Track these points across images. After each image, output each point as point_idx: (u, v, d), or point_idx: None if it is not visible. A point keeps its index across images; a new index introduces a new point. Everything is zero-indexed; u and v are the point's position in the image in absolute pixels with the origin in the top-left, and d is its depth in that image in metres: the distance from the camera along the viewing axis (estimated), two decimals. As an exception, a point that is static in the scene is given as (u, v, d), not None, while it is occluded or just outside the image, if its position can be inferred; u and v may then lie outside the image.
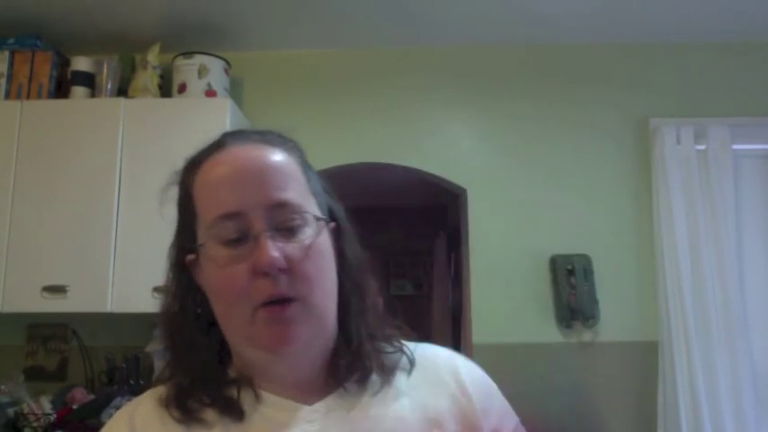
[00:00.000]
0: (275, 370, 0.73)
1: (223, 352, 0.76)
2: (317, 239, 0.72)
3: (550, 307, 2.56)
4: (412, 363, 0.78)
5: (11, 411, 2.28)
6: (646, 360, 2.50)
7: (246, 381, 0.73)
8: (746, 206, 2.60)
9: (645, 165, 2.64)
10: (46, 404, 2.30)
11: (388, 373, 0.76)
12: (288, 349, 0.70)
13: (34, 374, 2.56)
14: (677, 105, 2.67)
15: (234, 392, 0.72)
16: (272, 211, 0.70)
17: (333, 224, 0.77)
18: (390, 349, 0.78)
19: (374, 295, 0.80)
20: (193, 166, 0.76)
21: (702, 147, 2.56)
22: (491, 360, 2.57)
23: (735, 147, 2.57)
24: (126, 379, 2.40)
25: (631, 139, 2.67)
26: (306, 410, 0.72)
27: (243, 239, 0.69)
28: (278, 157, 0.74)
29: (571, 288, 2.50)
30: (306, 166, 0.78)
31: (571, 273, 2.51)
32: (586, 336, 2.53)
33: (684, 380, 2.38)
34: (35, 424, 2.23)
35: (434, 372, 0.79)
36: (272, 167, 0.73)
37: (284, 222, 0.70)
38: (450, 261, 4.45)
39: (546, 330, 2.54)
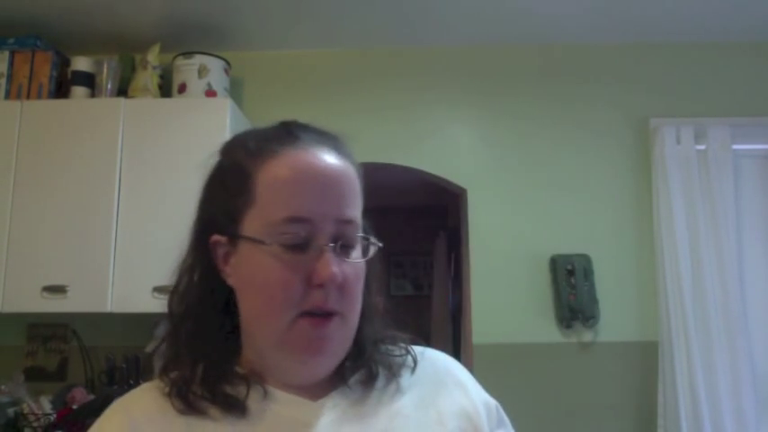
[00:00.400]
0: (295, 373, 0.73)
1: (233, 345, 0.75)
2: (362, 259, 0.74)
3: (550, 307, 2.56)
4: (416, 362, 0.80)
5: (11, 411, 2.28)
6: (646, 360, 2.50)
7: (256, 377, 0.73)
8: (746, 206, 2.61)
9: (645, 165, 2.64)
10: (46, 404, 2.30)
11: (393, 373, 0.77)
12: (320, 360, 0.71)
13: (34, 374, 2.56)
14: (677, 105, 2.67)
15: (242, 390, 0.71)
16: (339, 226, 0.71)
17: (376, 247, 0.76)
18: (397, 351, 0.80)
19: (380, 299, 0.81)
20: (260, 152, 0.73)
21: (702, 147, 2.56)
22: (491, 360, 2.59)
23: (735, 147, 2.57)
24: (126, 379, 2.40)
25: (631, 139, 2.67)
26: (313, 406, 0.72)
27: (304, 247, 0.69)
28: (351, 170, 0.75)
29: (571, 288, 2.51)
30: (362, 181, 0.78)
31: (571, 273, 2.51)
32: (586, 336, 2.53)
33: (684, 380, 2.38)
34: (35, 424, 2.23)
35: (435, 371, 0.81)
36: (349, 183, 0.73)
37: (346, 239, 0.71)
38: (451, 261, 4.45)
39: (546, 330, 2.54)
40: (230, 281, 0.74)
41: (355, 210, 0.73)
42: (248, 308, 0.73)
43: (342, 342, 0.73)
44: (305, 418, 0.71)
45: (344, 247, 0.71)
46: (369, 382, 0.76)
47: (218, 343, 0.74)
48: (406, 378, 0.78)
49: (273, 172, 0.71)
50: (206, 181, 0.77)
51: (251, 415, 0.70)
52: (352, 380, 0.75)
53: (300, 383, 0.73)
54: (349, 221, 0.71)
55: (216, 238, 0.73)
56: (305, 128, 0.77)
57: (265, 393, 0.72)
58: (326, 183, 0.71)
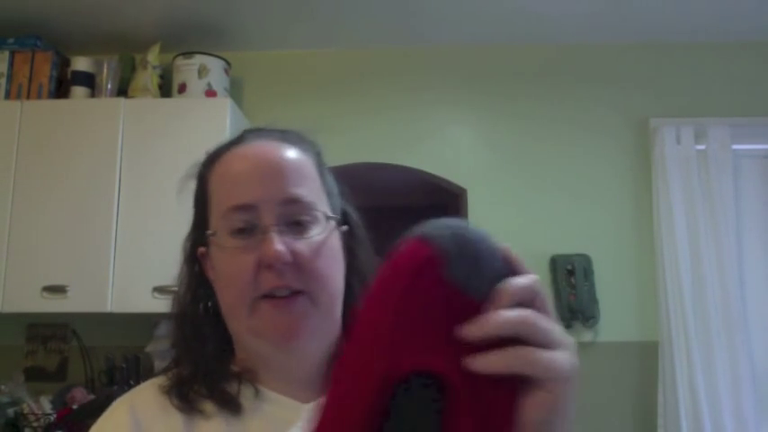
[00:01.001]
0: (280, 363, 0.74)
1: (228, 346, 0.77)
2: (326, 238, 0.73)
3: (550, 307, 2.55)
4: None
5: (11, 411, 2.28)
6: (646, 360, 2.50)
7: (248, 376, 0.74)
8: (746, 206, 2.60)
9: (645, 165, 2.64)
10: (46, 404, 2.30)
11: None
12: (295, 342, 0.71)
13: (34, 374, 2.56)
14: (677, 105, 2.67)
15: (234, 387, 0.72)
16: (284, 207, 0.71)
17: (345, 227, 0.78)
18: None
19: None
20: (212, 159, 0.78)
21: (702, 147, 2.56)
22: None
23: (735, 147, 2.57)
24: (126, 379, 2.40)
25: (631, 139, 2.67)
26: (305, 409, 0.72)
27: (252, 231, 0.70)
28: (295, 154, 0.76)
29: (571, 288, 2.51)
30: (321, 166, 0.79)
31: (571, 273, 2.51)
32: (586, 336, 2.53)
33: (684, 380, 2.38)
34: (35, 424, 2.23)
35: None
36: (289, 164, 0.74)
37: (295, 217, 0.71)
38: (451, 261, 4.44)
39: (546, 330, 2.53)
40: (215, 286, 0.76)
41: (302, 188, 0.73)
42: (222, 304, 0.74)
43: (316, 324, 0.71)
44: (294, 421, 0.71)
45: (296, 225, 0.71)
46: None
47: (215, 344, 0.76)
48: None
49: (218, 172, 0.75)
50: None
51: (244, 412, 0.71)
52: None
53: (292, 379, 0.74)
54: (294, 200, 0.72)
55: (201, 250, 0.77)
56: (254, 130, 0.80)
57: (257, 392, 0.73)
58: (266, 166, 0.73)
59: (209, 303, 0.77)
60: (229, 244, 0.71)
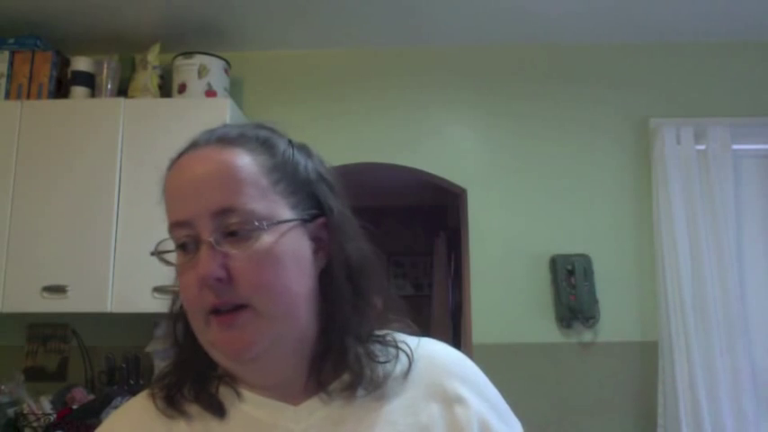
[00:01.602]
0: (244, 376, 0.74)
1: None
2: (270, 244, 0.69)
3: (550, 307, 2.56)
4: (410, 362, 0.75)
5: (11, 411, 2.28)
6: (646, 360, 2.50)
7: (230, 378, 0.74)
8: (746, 206, 2.60)
9: (645, 165, 2.64)
10: (46, 404, 2.30)
11: (380, 375, 0.73)
12: (245, 357, 0.69)
13: (34, 374, 2.56)
14: (677, 105, 2.67)
15: (215, 390, 0.74)
16: (218, 218, 0.69)
17: (319, 219, 0.74)
18: (385, 351, 0.75)
19: (374, 293, 0.76)
20: (168, 168, 0.77)
21: (702, 147, 2.56)
22: (491, 360, 2.59)
23: (735, 147, 2.57)
24: (126, 379, 2.40)
25: (631, 139, 2.67)
26: (288, 410, 0.72)
27: (193, 247, 0.70)
28: (233, 160, 0.71)
29: (571, 288, 2.51)
30: (277, 164, 0.73)
31: (571, 273, 2.51)
32: (586, 336, 2.53)
33: (684, 380, 2.38)
34: (35, 424, 2.23)
35: (431, 371, 0.77)
36: (221, 173, 0.70)
37: (230, 228, 0.69)
38: (451, 261, 4.45)
39: (546, 330, 2.54)
40: None
41: (239, 196, 0.69)
42: None
43: (268, 333, 0.69)
44: (284, 423, 0.71)
45: (232, 236, 0.68)
46: (350, 388, 0.72)
47: (203, 354, 0.74)
48: (401, 379, 0.75)
49: (165, 186, 0.74)
50: None
51: (228, 418, 0.72)
52: (332, 385, 0.73)
53: (268, 383, 0.73)
54: (228, 210, 0.68)
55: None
56: (207, 132, 0.79)
57: (238, 395, 0.73)
58: (197, 179, 0.71)
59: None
60: (177, 260, 0.71)
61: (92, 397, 2.33)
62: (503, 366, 2.51)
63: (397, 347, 0.76)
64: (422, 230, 5.23)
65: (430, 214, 5.10)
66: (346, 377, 0.73)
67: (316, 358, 0.74)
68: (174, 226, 0.71)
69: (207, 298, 0.68)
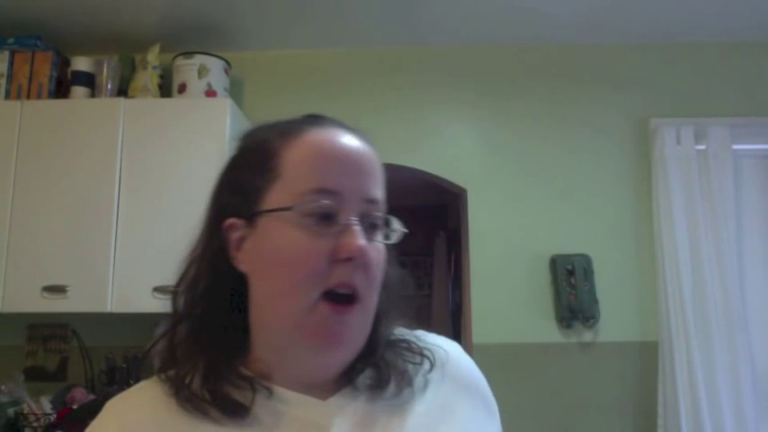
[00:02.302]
0: (308, 365, 0.70)
1: (238, 344, 0.72)
2: (386, 247, 0.72)
3: (550, 307, 2.56)
4: (432, 364, 0.76)
5: (11, 411, 2.28)
6: (646, 360, 2.50)
7: (262, 378, 0.70)
8: (746, 206, 2.61)
9: (645, 165, 2.64)
10: (46, 404, 2.30)
11: (407, 376, 0.74)
12: (336, 350, 0.69)
13: (34, 374, 2.56)
14: (677, 105, 2.67)
15: (244, 393, 0.68)
16: (365, 205, 0.69)
17: (399, 233, 0.73)
18: (411, 350, 0.77)
19: (401, 298, 0.78)
20: (286, 133, 0.72)
21: (702, 147, 2.56)
22: (491, 360, 2.59)
23: (735, 147, 2.57)
24: (126, 379, 2.40)
25: (631, 139, 2.67)
26: (323, 406, 0.70)
27: (331, 219, 0.67)
28: (376, 156, 0.74)
29: (571, 288, 2.51)
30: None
31: (571, 273, 2.51)
32: (586, 336, 2.53)
33: (684, 380, 2.38)
34: (35, 424, 2.23)
35: (460, 377, 0.79)
36: (374, 164, 0.73)
37: (371, 219, 0.69)
38: (451, 261, 4.45)
39: (546, 330, 2.54)
40: (242, 267, 0.71)
41: (380, 191, 0.72)
42: (265, 289, 0.69)
43: (360, 332, 0.70)
44: (315, 419, 0.68)
45: (370, 227, 0.69)
46: (379, 386, 0.72)
47: (223, 340, 0.71)
48: (422, 379, 0.75)
49: (300, 148, 0.70)
50: (224, 167, 0.75)
51: (256, 417, 0.67)
52: (361, 382, 0.72)
53: (311, 379, 0.70)
54: (374, 201, 0.70)
55: (231, 221, 0.71)
56: (327, 117, 0.77)
57: (271, 393, 0.69)
58: (354, 160, 0.70)
59: (225, 290, 0.71)
60: (308, 225, 0.66)
61: (92, 397, 2.34)
62: (503, 366, 2.51)
63: (421, 347, 0.77)
64: (422, 230, 5.23)
65: (430, 214, 5.10)
66: (374, 374, 0.73)
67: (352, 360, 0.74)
68: (319, 192, 0.67)
69: (337, 273, 0.66)
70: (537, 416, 2.42)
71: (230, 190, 0.72)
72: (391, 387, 0.72)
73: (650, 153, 2.63)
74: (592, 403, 2.49)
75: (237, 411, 0.66)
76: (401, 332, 0.78)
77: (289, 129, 0.72)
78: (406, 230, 0.73)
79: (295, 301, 0.67)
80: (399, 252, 0.77)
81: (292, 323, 0.67)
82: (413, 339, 0.78)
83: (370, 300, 0.70)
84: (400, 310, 0.78)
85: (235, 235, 0.71)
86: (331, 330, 0.67)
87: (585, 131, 2.68)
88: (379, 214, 0.70)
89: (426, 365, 0.76)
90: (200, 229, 0.74)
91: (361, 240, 0.66)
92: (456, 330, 4.06)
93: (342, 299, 0.67)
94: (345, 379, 0.72)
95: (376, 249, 0.69)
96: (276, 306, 0.68)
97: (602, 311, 2.52)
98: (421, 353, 0.77)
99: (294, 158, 0.69)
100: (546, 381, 2.50)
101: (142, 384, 0.73)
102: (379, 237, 0.71)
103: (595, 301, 2.51)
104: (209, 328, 0.71)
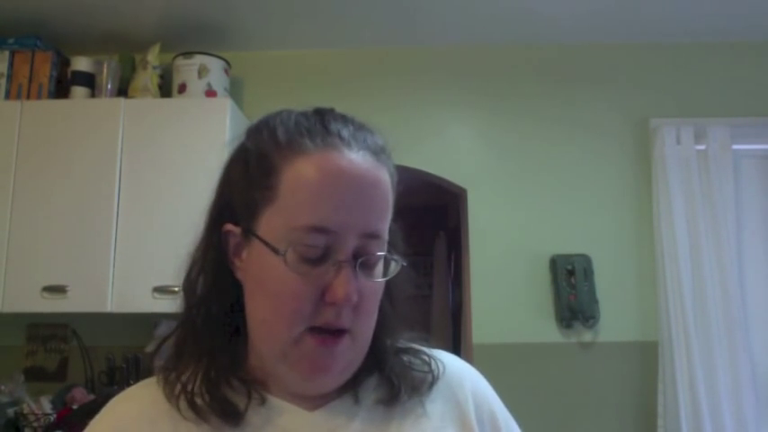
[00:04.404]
0: (297, 387, 0.70)
1: (237, 346, 0.72)
2: (384, 281, 0.69)
3: (550, 307, 2.56)
4: (435, 378, 0.75)
5: (11, 411, 2.28)
6: (646, 360, 2.50)
7: (258, 383, 0.70)
8: (746, 206, 2.61)
9: (645, 165, 2.64)
10: (46, 404, 2.30)
11: (414, 389, 0.73)
12: (324, 379, 0.68)
13: (34, 374, 2.56)
14: (677, 105, 2.67)
15: (240, 397, 0.68)
16: (363, 240, 0.66)
17: (400, 264, 0.71)
18: (419, 364, 0.76)
19: (407, 308, 0.77)
20: (290, 147, 0.66)
21: (702, 147, 2.56)
22: (491, 360, 2.59)
23: (735, 147, 2.57)
24: (126, 379, 2.40)
25: (631, 139, 2.67)
26: (312, 417, 0.69)
27: (323, 259, 0.65)
28: (385, 181, 0.69)
29: (571, 288, 2.50)
30: (393, 187, 0.72)
31: (571, 273, 2.51)
32: (586, 336, 2.53)
33: (684, 380, 2.38)
34: (35, 424, 2.23)
35: (460, 386, 0.77)
36: (381, 193, 0.68)
37: (369, 254, 0.66)
38: (451, 261, 4.44)
39: (546, 330, 2.54)
40: (239, 275, 0.70)
41: (383, 223, 0.68)
42: (255, 311, 0.68)
43: (350, 362, 0.69)
44: (299, 429, 0.68)
45: (365, 263, 0.66)
46: (391, 399, 0.71)
47: (225, 342, 0.71)
48: (426, 392, 0.74)
49: (301, 172, 0.65)
50: (228, 162, 0.72)
51: (248, 424, 0.67)
52: (366, 393, 0.72)
53: (308, 394, 0.70)
54: (374, 236, 0.66)
55: (229, 227, 0.69)
56: (343, 121, 0.70)
57: (263, 401, 0.69)
58: (356, 191, 0.65)
59: (225, 291, 0.70)
60: (298, 267, 0.64)
61: (92, 397, 2.34)
62: (503, 366, 2.51)
63: (427, 358, 0.77)
64: (422, 230, 5.23)
65: (430, 214, 5.10)
66: (385, 389, 0.72)
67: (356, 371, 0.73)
68: (314, 230, 0.63)
69: (323, 315, 0.65)
70: (537, 416, 2.42)
71: (232, 191, 0.70)
72: (403, 398, 0.72)
73: (650, 153, 2.63)
74: (592, 403, 2.49)
75: (232, 415, 0.66)
76: (405, 341, 0.78)
77: (293, 141, 0.67)
78: (404, 263, 0.71)
79: (280, 333, 0.66)
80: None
81: (278, 352, 0.67)
82: (418, 348, 0.78)
83: (362, 330, 0.68)
84: (407, 320, 0.77)
85: (233, 241, 0.70)
86: (318, 362, 0.66)
87: (585, 131, 2.68)
88: (378, 253, 0.67)
89: (433, 371, 0.76)
90: (204, 225, 0.72)
91: (351, 286, 0.64)
92: (456, 330, 4.06)
93: (329, 333, 0.66)
94: (350, 387, 0.72)
95: (371, 285, 0.67)
96: (263, 332, 0.68)
97: (602, 311, 2.52)
98: (427, 362, 0.76)
99: (292, 183, 0.65)
100: (546, 381, 2.50)
101: (142, 383, 0.73)
102: (377, 270, 0.68)
103: (595, 301, 2.51)
104: (209, 331, 0.71)
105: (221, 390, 0.68)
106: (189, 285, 0.72)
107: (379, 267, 0.69)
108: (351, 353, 0.68)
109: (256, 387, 0.70)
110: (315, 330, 0.65)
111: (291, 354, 0.66)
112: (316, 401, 0.70)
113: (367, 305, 0.67)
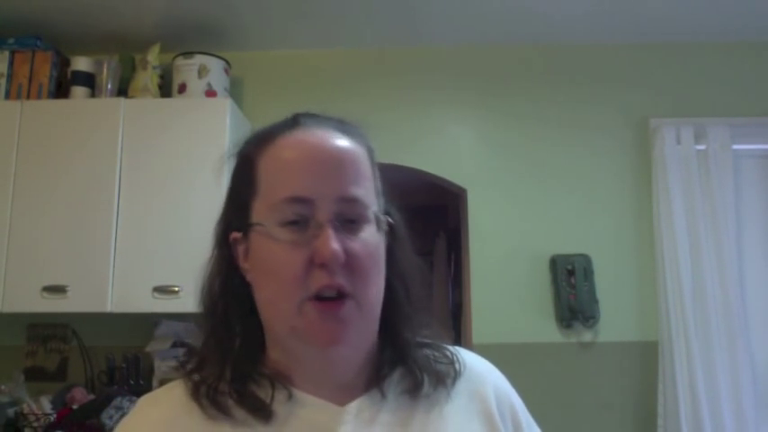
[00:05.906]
0: (318, 366, 0.71)
1: (258, 344, 0.74)
2: (377, 240, 0.71)
3: (550, 307, 2.56)
4: (458, 372, 0.77)
5: (11, 411, 2.28)
6: (646, 360, 2.50)
7: (281, 378, 0.71)
8: (746, 206, 2.61)
9: (645, 165, 2.64)
10: (46, 404, 2.30)
11: (439, 381, 0.74)
12: (338, 348, 0.69)
13: (34, 374, 2.56)
14: (677, 105, 2.67)
15: (266, 391, 0.70)
16: (340, 204, 0.68)
17: (387, 228, 0.74)
18: (442, 358, 0.77)
19: (426, 302, 0.78)
20: (263, 140, 0.73)
21: (702, 147, 2.56)
22: (491, 360, 2.58)
23: (735, 147, 2.57)
24: (126, 379, 2.40)
25: (631, 139, 2.67)
26: (339, 411, 0.70)
27: (305, 225, 0.67)
28: (354, 148, 0.73)
29: (571, 288, 2.51)
30: (374, 162, 0.76)
31: (571, 273, 2.51)
32: (586, 336, 2.53)
33: (684, 380, 2.38)
34: (35, 424, 2.23)
35: (481, 383, 0.79)
36: (350, 159, 0.71)
37: (349, 216, 0.69)
38: (451, 261, 4.44)
39: (546, 330, 2.54)
40: (248, 277, 0.73)
41: (360, 188, 0.70)
42: (261, 295, 0.71)
43: (359, 330, 0.69)
44: (329, 423, 0.69)
45: (350, 224, 0.68)
46: (414, 390, 0.73)
47: (244, 342, 0.73)
48: (449, 387, 0.76)
49: (272, 156, 0.71)
50: (229, 181, 0.78)
51: (274, 418, 0.68)
52: (394, 388, 0.73)
53: (327, 381, 0.71)
54: (352, 199, 0.69)
55: (234, 235, 0.73)
56: (311, 115, 0.76)
57: (290, 396, 0.70)
58: (326, 160, 0.70)
59: (241, 296, 0.73)
60: (281, 236, 0.67)
61: (92, 397, 2.33)
62: (503, 366, 2.49)
63: (450, 354, 0.78)
64: (422, 230, 5.22)
65: (430, 214, 5.10)
66: (409, 380, 0.73)
67: (375, 361, 0.74)
68: (290, 201, 0.68)
69: (316, 279, 0.66)
70: (537, 416, 2.41)
71: (230, 203, 0.75)
72: (426, 391, 0.73)
73: (650, 153, 2.63)
74: (592, 403, 2.49)
75: (261, 410, 0.68)
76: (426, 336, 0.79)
77: (265, 136, 0.73)
78: (390, 221, 0.74)
79: (283, 306, 0.68)
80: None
81: (287, 327, 0.69)
82: (440, 344, 0.79)
83: (365, 294, 0.69)
84: (424, 308, 0.78)
85: (240, 247, 0.73)
86: (324, 328, 0.67)
87: (585, 131, 2.68)
88: (362, 211, 0.69)
89: (456, 366, 0.77)
90: (213, 240, 0.76)
91: (333, 244, 0.65)
92: (456, 330, 4.06)
93: (328, 298, 0.67)
94: (375, 383, 0.73)
95: (361, 244, 0.68)
96: (271, 312, 0.71)
97: (602, 311, 2.52)
98: (449, 356, 0.78)
99: (266, 168, 0.71)
100: (546, 381, 2.50)
101: (171, 384, 0.75)
102: (367, 230, 0.70)
103: (595, 301, 2.51)
104: (230, 333, 0.73)
105: (248, 387, 0.70)
106: (207, 296, 0.75)
107: (368, 231, 0.70)
108: (358, 320, 0.69)
109: (281, 381, 0.71)
110: (315, 298, 0.67)
111: (299, 325, 0.68)
112: (344, 396, 0.71)
113: (361, 266, 0.68)
